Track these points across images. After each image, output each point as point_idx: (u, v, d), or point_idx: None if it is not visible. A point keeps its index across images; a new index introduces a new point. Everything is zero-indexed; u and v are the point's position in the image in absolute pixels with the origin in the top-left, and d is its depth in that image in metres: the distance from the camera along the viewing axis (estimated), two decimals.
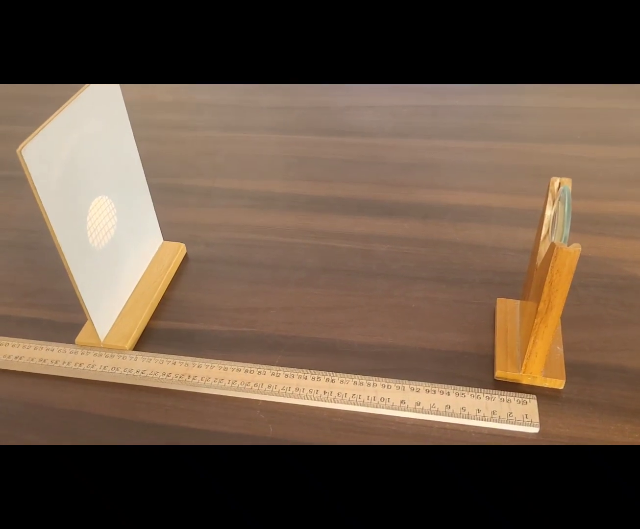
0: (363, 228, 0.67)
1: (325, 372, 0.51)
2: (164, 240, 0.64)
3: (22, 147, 0.41)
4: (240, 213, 0.70)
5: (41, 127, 0.43)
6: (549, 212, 0.46)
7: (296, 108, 0.91)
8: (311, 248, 0.65)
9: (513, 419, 0.47)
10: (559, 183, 0.45)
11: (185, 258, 0.65)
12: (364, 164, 0.78)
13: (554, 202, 0.46)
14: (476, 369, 0.52)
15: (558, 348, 0.51)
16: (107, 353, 0.53)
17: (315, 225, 0.68)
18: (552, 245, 0.41)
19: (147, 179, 0.60)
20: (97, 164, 0.50)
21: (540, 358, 0.48)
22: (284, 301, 0.59)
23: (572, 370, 0.51)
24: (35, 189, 0.42)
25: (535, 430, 0.47)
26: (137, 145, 0.57)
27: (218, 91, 0.96)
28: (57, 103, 0.46)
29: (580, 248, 0.40)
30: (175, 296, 0.60)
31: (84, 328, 0.55)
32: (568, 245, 0.40)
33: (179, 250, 0.63)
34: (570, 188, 0.44)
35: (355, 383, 0.50)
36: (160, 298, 0.59)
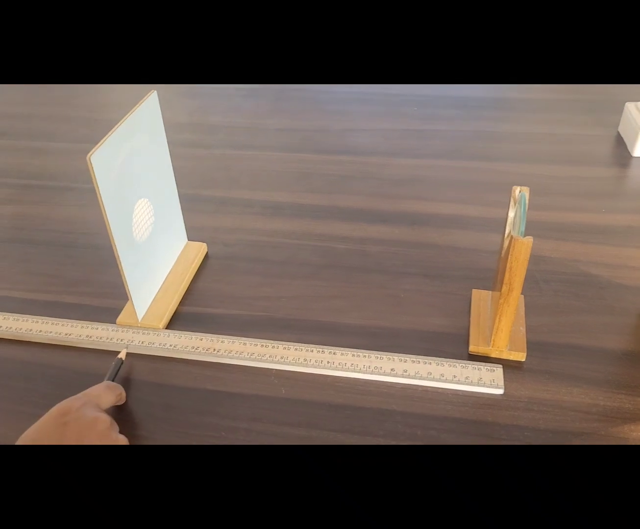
0: (359, 233, 0.78)
1: (329, 347, 0.61)
2: (188, 240, 0.74)
3: (91, 154, 0.51)
4: (253, 219, 0.81)
5: (105, 138, 0.54)
6: (511, 214, 0.57)
7: (300, 130, 1.02)
8: (315, 248, 0.76)
9: (482, 383, 0.57)
10: (519, 190, 0.56)
11: (207, 256, 0.75)
12: (360, 179, 0.89)
13: (514, 205, 0.56)
14: (454, 345, 0.62)
15: (521, 328, 0.62)
16: (144, 331, 0.63)
17: (318, 229, 0.79)
18: (511, 238, 0.51)
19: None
20: (142, 171, 0.61)
21: (505, 333, 0.58)
22: (293, 291, 0.70)
23: (533, 346, 0.61)
24: (98, 189, 0.53)
25: (500, 391, 0.57)
26: None
27: (229, 113, 1.08)
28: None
29: (532, 239, 0.51)
30: (198, 287, 0.70)
31: (123, 311, 0.65)
32: (523, 238, 0.51)
33: (202, 248, 0.73)
34: (527, 194, 0.55)
35: (353, 355, 0.60)
36: (186, 288, 0.69)
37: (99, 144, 0.53)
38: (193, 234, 0.76)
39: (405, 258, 0.74)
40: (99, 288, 0.70)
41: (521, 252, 0.51)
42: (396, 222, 0.80)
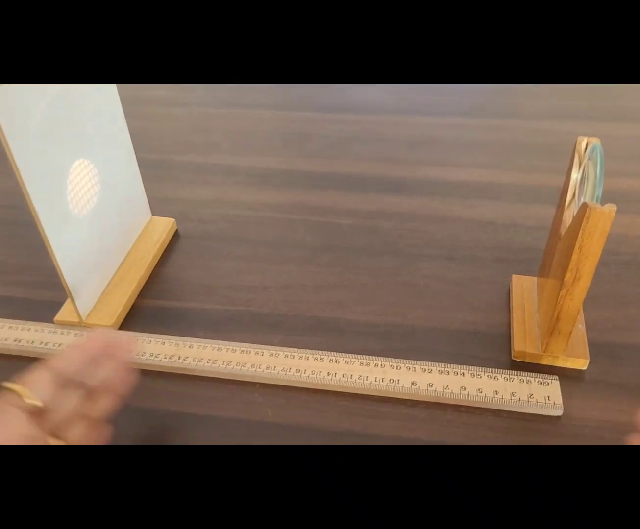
0: (366, 205, 0.63)
1: (329, 352, 0.47)
2: (153, 215, 0.60)
3: None
4: (236, 190, 0.66)
5: None
6: (574, 175, 0.42)
7: (294, 85, 0.86)
8: (311, 225, 0.61)
9: (534, 401, 0.43)
10: (587, 143, 0.41)
11: (177, 235, 0.60)
12: (366, 141, 0.74)
13: (580, 163, 0.42)
14: (491, 349, 0.48)
15: (580, 326, 0.47)
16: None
17: (313, 201, 0.64)
18: (584, 206, 0.37)
19: (138, 155, 0.56)
20: (78, 123, 0.46)
21: (564, 336, 0.44)
22: (283, 279, 0.55)
23: (596, 349, 0.47)
24: (7, 143, 0.38)
25: (559, 412, 0.43)
26: (129, 122, 0.53)
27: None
28: None
29: (615, 208, 0.36)
30: (165, 274, 0.56)
31: (64, 306, 0.50)
32: (602, 206, 0.36)
33: (169, 225, 0.59)
34: (600, 146, 0.40)
35: (361, 363, 0.46)
36: (149, 275, 0.55)
37: None
38: (161, 208, 0.62)
39: (424, 237, 0.59)
40: (38, 276, 0.56)
41: (598, 226, 0.37)
42: (412, 192, 0.65)
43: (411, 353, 0.47)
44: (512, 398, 0.43)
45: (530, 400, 0.43)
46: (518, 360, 0.47)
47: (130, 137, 0.55)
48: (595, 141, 0.40)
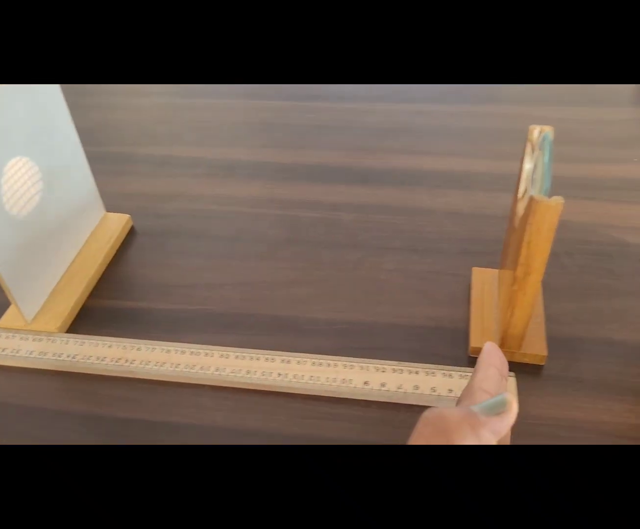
0: (332, 197, 0.62)
1: (281, 352, 0.46)
2: (107, 211, 0.58)
3: None
4: (198, 183, 0.65)
5: None
6: (527, 165, 0.40)
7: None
8: (275, 218, 0.60)
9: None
10: (540, 131, 0.39)
11: (133, 232, 0.59)
12: (335, 129, 0.72)
13: (533, 152, 0.40)
14: (450, 345, 0.47)
15: (539, 320, 0.46)
16: (35, 337, 0.47)
17: (280, 194, 0.63)
18: (531, 200, 0.35)
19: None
20: (12, 121, 0.44)
21: (519, 331, 0.42)
22: (242, 276, 0.54)
23: (556, 344, 0.45)
24: None
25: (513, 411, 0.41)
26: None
27: None
28: None
29: (562, 201, 0.35)
30: (119, 273, 0.54)
31: (9, 310, 0.49)
32: (549, 199, 0.35)
33: (124, 222, 0.57)
34: (552, 135, 0.38)
35: (314, 363, 0.45)
36: (100, 274, 0.53)
37: None
38: (119, 204, 0.60)
39: (390, 229, 0.57)
40: None
41: (545, 219, 0.35)
42: (380, 183, 0.63)
43: (370, 352, 0.46)
44: None
45: None
46: (475, 356, 0.45)
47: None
48: (547, 130, 0.39)
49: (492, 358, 0.36)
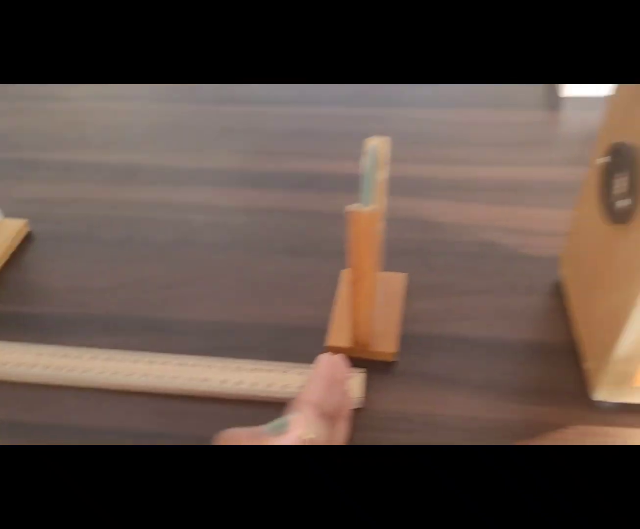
0: (224, 201, 0.64)
1: (148, 353, 0.48)
2: (6, 217, 0.60)
3: None
4: (99, 188, 0.66)
5: None
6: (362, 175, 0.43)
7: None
8: (166, 222, 0.62)
9: None
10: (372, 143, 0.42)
11: (30, 237, 0.60)
12: (240, 132, 0.74)
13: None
14: (313, 344, 0.49)
15: (393, 318, 0.49)
16: None
17: (175, 198, 0.65)
18: (347, 211, 0.38)
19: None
20: None
21: (364, 329, 0.45)
22: (123, 278, 0.56)
23: (411, 341, 0.48)
24: None
25: (359, 405, 0.44)
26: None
27: None
28: None
29: (373, 209, 0.37)
30: (9, 278, 0.56)
31: None
32: (365, 207, 0.37)
33: (19, 227, 0.59)
34: (382, 147, 0.41)
35: (179, 363, 0.47)
36: None
37: None
38: (17, 209, 0.62)
39: (276, 231, 0.60)
40: None
41: (360, 226, 0.38)
42: (272, 186, 0.66)
43: (237, 352, 0.48)
44: None
45: None
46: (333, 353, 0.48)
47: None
48: (381, 143, 0.41)
49: (322, 370, 0.39)
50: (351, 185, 0.64)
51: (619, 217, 0.38)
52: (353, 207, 0.37)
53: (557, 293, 0.51)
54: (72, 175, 0.68)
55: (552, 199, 0.61)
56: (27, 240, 0.60)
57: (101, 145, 0.73)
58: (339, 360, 0.41)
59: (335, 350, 0.47)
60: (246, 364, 0.47)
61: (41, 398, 0.46)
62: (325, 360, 0.40)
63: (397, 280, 0.52)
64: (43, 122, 0.77)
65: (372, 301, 0.43)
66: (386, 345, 0.47)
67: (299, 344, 0.49)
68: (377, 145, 0.40)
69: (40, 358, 0.48)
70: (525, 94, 0.77)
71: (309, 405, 0.37)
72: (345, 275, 0.51)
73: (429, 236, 0.58)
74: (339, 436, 0.40)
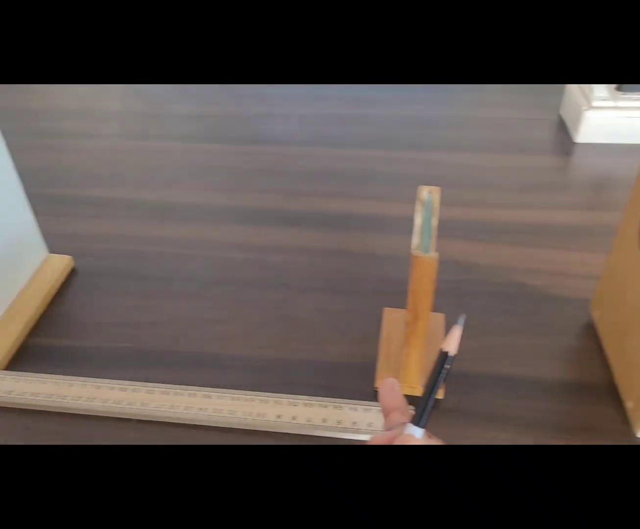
0: (261, 239, 0.66)
1: (203, 388, 0.50)
2: (49, 253, 0.61)
3: None
4: (136, 224, 0.68)
5: None
6: (417, 221, 0.45)
7: (207, 116, 0.89)
8: (206, 259, 0.64)
9: None
10: (427, 192, 0.45)
11: (74, 272, 0.62)
12: (269, 173, 0.77)
13: (421, 211, 0.45)
14: (359, 380, 0.51)
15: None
16: None
17: (212, 236, 0.67)
18: (411, 254, 0.40)
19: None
20: None
21: (416, 368, 0.47)
22: (171, 315, 0.57)
23: (455, 380, 0.50)
24: None
25: None
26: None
27: (128, 98, 0.94)
28: None
29: (437, 256, 0.40)
30: (58, 312, 0.58)
31: None
32: (427, 254, 0.40)
33: (64, 263, 0.61)
34: (435, 196, 0.44)
35: (232, 398, 0.49)
36: (40, 314, 0.56)
37: None
38: (59, 245, 0.63)
39: (312, 270, 0.62)
40: None
41: (423, 272, 0.40)
42: (305, 225, 0.68)
43: (284, 387, 0.50)
44: (369, 428, 0.46)
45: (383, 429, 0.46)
46: None
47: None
48: (433, 192, 0.44)
49: (390, 402, 0.40)
50: (378, 225, 0.68)
51: None
52: (416, 252, 0.40)
53: (591, 333, 0.54)
54: (109, 212, 0.70)
55: (572, 242, 0.64)
56: (71, 274, 0.62)
57: (136, 182, 0.75)
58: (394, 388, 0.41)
59: None
60: (299, 399, 0.48)
61: (103, 431, 0.47)
62: (386, 391, 0.40)
63: (436, 320, 0.54)
64: (79, 159, 0.79)
65: (424, 343, 0.45)
66: None
67: (344, 380, 0.51)
68: (432, 194, 0.43)
69: (99, 391, 0.49)
70: (539, 141, 0.81)
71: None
72: (397, 315, 0.54)
73: (462, 276, 0.60)
74: None
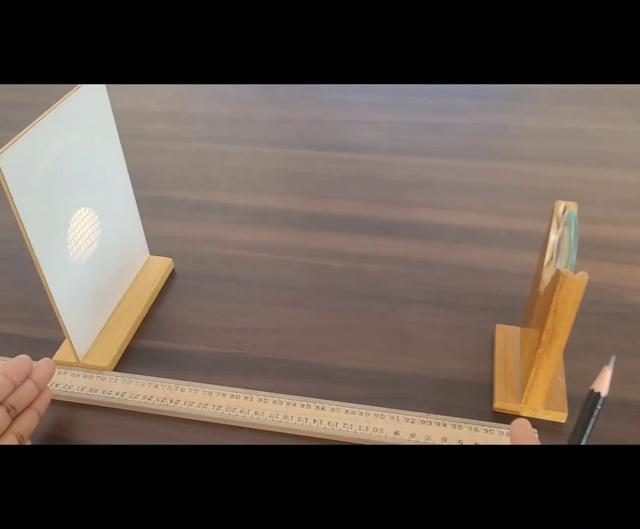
0: (358, 248, 0.65)
1: (316, 399, 0.49)
2: (150, 254, 0.62)
3: None
4: (231, 229, 0.68)
5: (21, 133, 0.41)
6: (553, 237, 0.44)
7: (292, 121, 0.89)
8: (304, 267, 0.63)
9: None
10: (564, 208, 0.43)
11: (173, 274, 0.62)
12: (360, 181, 0.76)
13: (558, 226, 0.43)
14: (474, 399, 0.49)
15: (560, 379, 0.49)
16: (85, 374, 0.50)
17: (308, 243, 0.66)
18: (558, 273, 0.38)
19: (135, 191, 0.58)
20: (81, 175, 0.48)
21: (542, 390, 0.45)
22: (273, 322, 0.57)
23: (575, 402, 0.48)
24: (12, 199, 0.40)
25: None
26: (126, 156, 0.55)
27: (213, 101, 0.94)
28: (44, 110, 0.44)
29: (587, 277, 0.38)
30: (160, 314, 0.58)
31: (62, 346, 0.52)
32: (574, 273, 0.38)
33: (166, 265, 0.61)
34: (576, 213, 0.42)
35: (347, 411, 0.48)
36: (144, 316, 0.56)
37: (13, 140, 0.40)
38: (158, 246, 0.63)
39: (412, 282, 0.61)
40: (38, 314, 0.57)
41: (571, 292, 0.38)
42: (402, 235, 0.67)
43: (395, 402, 0.49)
44: None
45: None
46: (499, 410, 0.48)
47: (129, 173, 0.56)
48: (571, 207, 0.42)
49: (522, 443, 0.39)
50: (474, 237, 0.66)
51: None
52: (566, 272, 0.38)
53: None
54: (203, 215, 0.70)
55: None
56: (171, 277, 0.62)
57: (227, 186, 0.75)
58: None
59: (503, 410, 0.48)
60: (415, 415, 0.47)
61: (216, 438, 0.47)
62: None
63: None
64: (169, 161, 0.79)
65: (556, 365, 0.43)
66: (558, 406, 0.47)
67: (458, 398, 0.50)
68: (574, 211, 0.41)
69: (211, 397, 0.48)
70: (637, 153, 0.78)
71: None
72: (523, 329, 0.52)
73: None
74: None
